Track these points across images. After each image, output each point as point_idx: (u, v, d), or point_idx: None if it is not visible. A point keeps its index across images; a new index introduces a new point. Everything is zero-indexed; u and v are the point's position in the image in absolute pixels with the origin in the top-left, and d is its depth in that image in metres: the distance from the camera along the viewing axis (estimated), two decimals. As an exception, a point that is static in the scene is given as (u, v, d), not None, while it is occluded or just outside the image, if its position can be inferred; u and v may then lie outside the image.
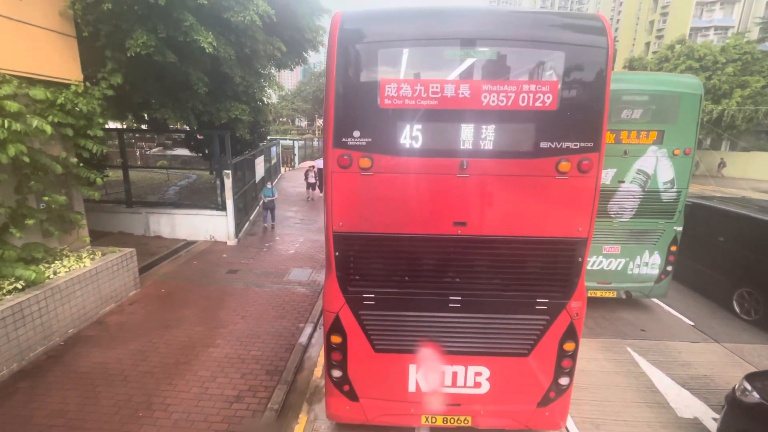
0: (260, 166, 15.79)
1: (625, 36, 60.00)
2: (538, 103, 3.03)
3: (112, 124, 13.74)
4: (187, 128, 12.08)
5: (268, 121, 17.75)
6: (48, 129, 5.56)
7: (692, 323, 7.32)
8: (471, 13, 3.14)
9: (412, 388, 3.83)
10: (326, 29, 11.58)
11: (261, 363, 5.59)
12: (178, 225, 11.06)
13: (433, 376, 3.78)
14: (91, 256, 6.81)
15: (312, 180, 17.54)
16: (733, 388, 4.06)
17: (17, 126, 5.15)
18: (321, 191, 17.34)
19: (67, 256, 6.61)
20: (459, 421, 3.93)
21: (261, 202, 12.32)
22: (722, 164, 30.40)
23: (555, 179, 3.20)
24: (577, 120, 3.10)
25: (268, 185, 12.36)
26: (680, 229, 7.04)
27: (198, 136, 15.29)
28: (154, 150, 27.10)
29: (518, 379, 3.77)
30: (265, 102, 15.19)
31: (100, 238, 10.20)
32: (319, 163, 18.16)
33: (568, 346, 3.66)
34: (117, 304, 7.11)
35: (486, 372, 3.75)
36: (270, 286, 8.28)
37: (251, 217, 13.28)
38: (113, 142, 14.12)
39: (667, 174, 6.72)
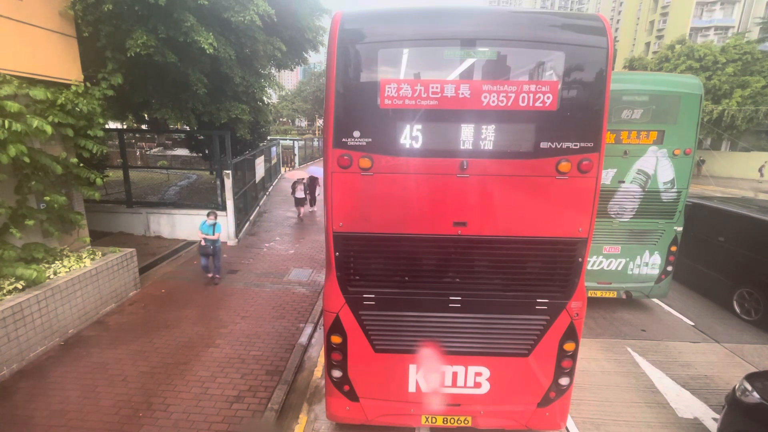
0: (260, 166, 15.75)
1: (625, 36, 60.00)
2: (538, 104, 3.03)
3: (112, 124, 13.78)
4: (187, 128, 12.10)
5: (268, 121, 17.63)
6: (48, 129, 5.56)
7: (692, 323, 7.32)
8: (471, 13, 3.14)
9: (412, 388, 3.83)
10: (326, 29, 11.60)
11: (261, 363, 5.59)
12: (179, 225, 11.06)
13: (433, 376, 3.78)
14: (92, 256, 6.81)
15: (300, 195, 13.84)
16: (734, 388, 4.06)
17: (18, 126, 5.15)
18: (313, 206, 15.26)
19: (68, 256, 6.61)
20: (459, 422, 3.93)
21: (199, 246, 8.00)
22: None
23: (555, 179, 3.20)
24: (577, 120, 3.10)
25: (210, 219, 7.86)
26: (680, 229, 7.04)
27: (198, 136, 15.32)
28: (154, 150, 27.13)
29: (518, 380, 3.77)
30: (265, 102, 15.20)
31: (100, 238, 10.20)
32: (312, 171, 14.48)
33: (569, 347, 3.66)
34: (117, 304, 7.11)
35: (486, 372, 3.75)
36: (270, 286, 8.28)
37: (251, 218, 13.27)
38: (113, 142, 14.14)
39: (667, 174, 6.73)
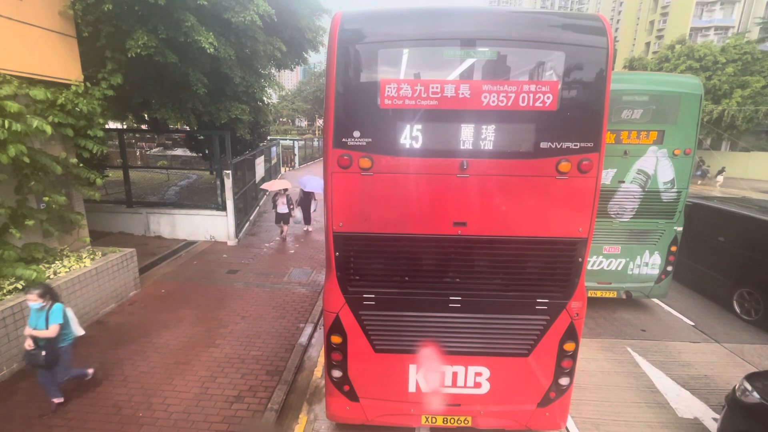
0: (260, 166, 15.74)
1: (625, 36, 60.00)
2: (538, 104, 3.02)
3: (112, 124, 13.77)
4: (187, 128, 12.10)
5: (268, 121, 17.62)
6: (48, 129, 5.56)
7: (692, 323, 7.32)
8: (471, 13, 3.14)
9: (412, 388, 3.83)
10: (326, 29, 11.59)
11: (261, 363, 5.59)
12: (179, 225, 11.06)
13: (434, 376, 3.78)
14: (92, 256, 6.81)
15: (282, 210, 11.43)
16: (734, 388, 4.06)
17: (18, 126, 5.15)
18: (305, 222, 12.59)
19: (68, 256, 6.61)
20: (459, 422, 3.93)
21: (25, 352, 4.23)
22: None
23: (555, 179, 3.20)
24: (577, 120, 3.10)
25: (33, 298, 4.09)
26: (680, 229, 7.04)
27: (198, 136, 15.31)
28: (154, 150, 27.11)
29: (518, 380, 3.77)
30: (265, 102, 15.20)
31: (100, 238, 10.20)
32: (305, 183, 11.57)
33: (569, 347, 3.66)
34: (117, 304, 7.11)
35: (486, 372, 3.75)
36: (270, 286, 8.28)
37: (251, 218, 13.27)
38: (113, 142, 14.15)
39: (668, 174, 6.73)
